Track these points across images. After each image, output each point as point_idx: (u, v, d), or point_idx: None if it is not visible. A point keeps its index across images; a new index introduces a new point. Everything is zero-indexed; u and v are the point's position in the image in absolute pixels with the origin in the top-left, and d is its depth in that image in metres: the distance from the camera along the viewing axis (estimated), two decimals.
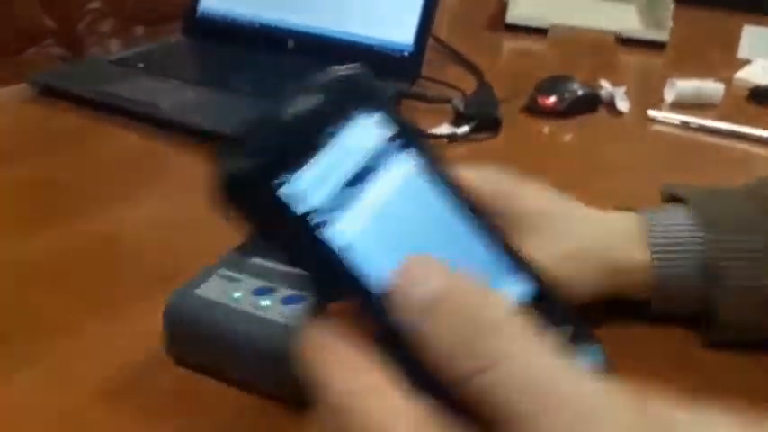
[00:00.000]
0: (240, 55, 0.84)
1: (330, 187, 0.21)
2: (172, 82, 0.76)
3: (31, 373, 0.37)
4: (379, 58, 0.81)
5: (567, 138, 0.74)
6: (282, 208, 0.20)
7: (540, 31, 1.13)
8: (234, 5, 0.90)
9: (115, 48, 1.29)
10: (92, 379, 0.37)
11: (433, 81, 0.83)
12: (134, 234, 0.51)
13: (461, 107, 0.73)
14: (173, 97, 0.71)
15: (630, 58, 1.07)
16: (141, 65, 0.80)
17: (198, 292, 0.37)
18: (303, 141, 0.21)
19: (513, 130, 0.73)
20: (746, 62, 1.03)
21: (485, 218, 0.24)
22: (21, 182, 0.58)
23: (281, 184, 0.20)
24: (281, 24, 0.87)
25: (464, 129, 0.70)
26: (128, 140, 0.66)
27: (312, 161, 0.21)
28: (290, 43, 0.86)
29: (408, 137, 0.24)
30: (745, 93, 0.89)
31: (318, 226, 0.20)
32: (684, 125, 0.78)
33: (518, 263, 0.24)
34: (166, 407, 0.35)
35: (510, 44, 1.10)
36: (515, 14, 1.13)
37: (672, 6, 1.09)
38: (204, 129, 0.65)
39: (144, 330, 0.40)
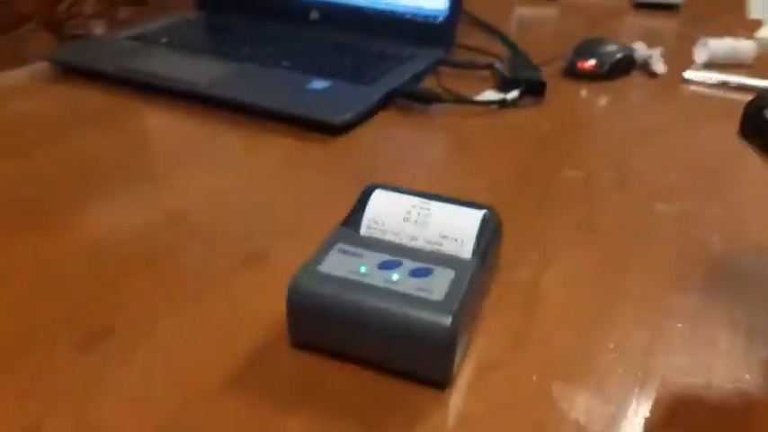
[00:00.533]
0: (263, 28, 0.80)
1: None
2: (202, 57, 0.72)
3: (143, 362, 0.34)
4: (413, 26, 0.79)
5: (612, 101, 0.73)
6: None
7: None
8: None
9: (100, 30, 1.24)
10: (207, 367, 0.34)
11: (466, 48, 0.81)
12: (203, 210, 0.48)
13: (507, 72, 0.71)
14: (208, 72, 0.67)
15: (647, 22, 1.06)
16: (164, 39, 0.76)
17: (321, 269, 0.34)
18: None
19: (556, 94, 0.71)
20: (758, 22, 1.02)
21: None
22: (76, 158, 0.54)
23: None
24: None
25: (513, 94, 0.68)
26: (174, 117, 0.63)
27: None
28: (314, 14, 0.83)
29: None
30: None
31: None
32: (722, 84, 0.77)
33: None
34: (289, 395, 0.33)
35: (525, 12, 1.08)
36: None
37: None
38: (250, 103, 0.62)
39: (249, 310, 0.38)
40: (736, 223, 0.49)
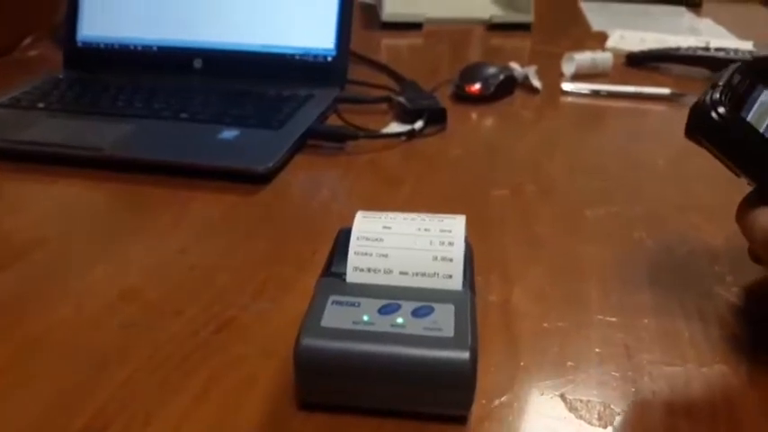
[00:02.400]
0: (144, 82, 0.77)
1: None
2: (92, 119, 0.67)
3: None
4: (304, 66, 0.79)
5: (506, 119, 0.77)
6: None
7: (412, 26, 1.17)
8: (118, 30, 0.83)
9: None
10: None
11: (356, 83, 0.83)
12: (154, 284, 0.45)
13: (406, 103, 0.73)
14: (107, 135, 0.63)
15: (506, 42, 1.13)
16: (42, 104, 0.70)
17: (325, 324, 0.33)
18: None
19: (453, 119, 0.74)
20: (603, 34, 1.14)
21: None
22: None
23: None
24: (183, 44, 0.81)
25: (419, 123, 0.70)
26: (85, 187, 0.58)
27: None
28: (198, 62, 0.81)
29: None
30: (622, 60, 0.99)
31: None
32: (595, 93, 0.85)
33: None
34: None
35: (392, 42, 1.12)
36: (390, 12, 1.15)
37: None
38: (165, 161, 0.59)
39: (241, 380, 0.36)
40: (657, 220, 0.54)
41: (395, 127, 0.71)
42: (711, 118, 0.36)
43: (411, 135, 0.69)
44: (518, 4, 1.19)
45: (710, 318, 0.42)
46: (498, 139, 0.71)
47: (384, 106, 0.77)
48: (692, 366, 0.38)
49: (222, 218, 0.54)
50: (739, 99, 0.38)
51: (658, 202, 0.57)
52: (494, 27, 1.17)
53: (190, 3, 0.81)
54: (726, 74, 0.39)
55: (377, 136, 0.68)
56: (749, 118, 0.37)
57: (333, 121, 0.73)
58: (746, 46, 1.05)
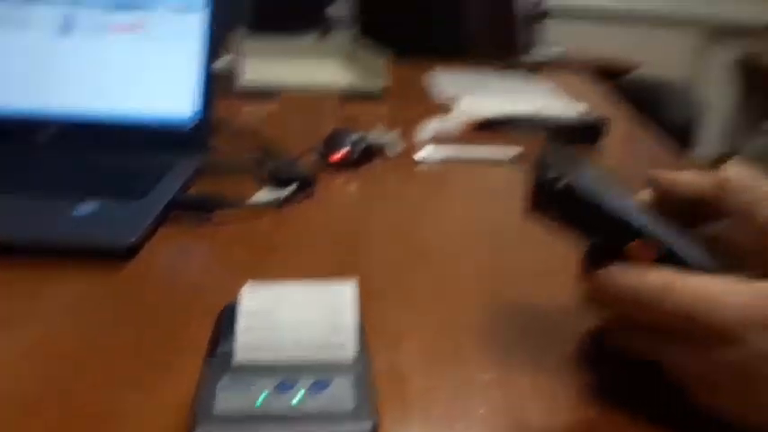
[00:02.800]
0: None
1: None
2: None
3: None
4: (164, 134, 0.76)
5: (372, 184, 0.79)
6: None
7: (268, 94, 1.18)
8: None
9: None
10: None
11: (220, 151, 0.81)
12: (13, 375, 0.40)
13: (274, 170, 0.73)
14: None
15: (362, 109, 1.17)
16: None
17: (218, 412, 0.32)
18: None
19: (320, 185, 0.75)
20: (452, 100, 1.21)
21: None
22: None
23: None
24: (31, 112, 0.76)
25: (289, 190, 0.70)
26: None
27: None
28: (49, 132, 0.76)
29: None
30: (473, 125, 1.05)
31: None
32: (449, 158, 0.89)
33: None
34: None
35: (250, 109, 1.12)
36: (248, 79, 1.16)
37: (382, 60, 1.22)
38: (13, 242, 0.54)
39: None
40: (521, 279, 0.57)
41: (262, 195, 0.70)
42: (555, 192, 0.39)
43: (279, 203, 0.69)
44: (371, 72, 1.24)
45: (579, 370, 0.45)
46: (365, 205, 0.73)
47: (250, 174, 0.76)
48: (567, 416, 0.40)
49: (83, 300, 0.50)
50: (572, 168, 0.42)
51: (520, 263, 0.61)
52: (349, 95, 1.21)
53: (38, 67, 0.76)
54: (552, 150, 0.43)
55: (246, 204, 0.67)
56: (585, 185, 0.41)
57: (198, 189, 0.70)
58: (581, 110, 1.16)
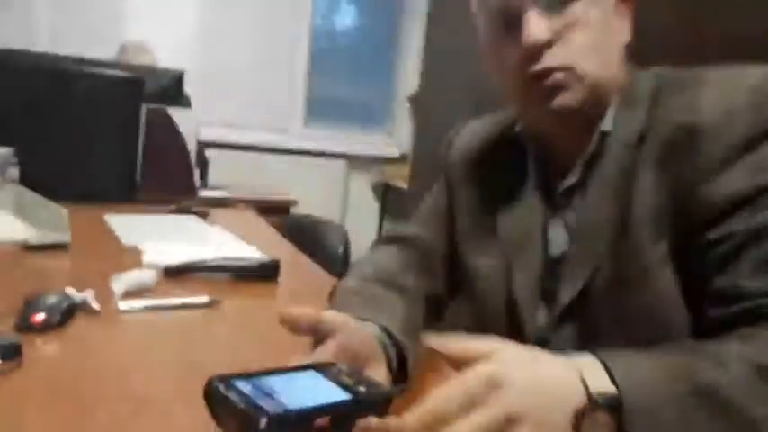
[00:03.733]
0: None
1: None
2: None
3: None
4: None
5: (81, 344, 0.84)
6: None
7: None
8: None
9: None
10: None
11: None
12: None
13: None
14: None
15: (47, 262, 1.18)
16: None
17: None
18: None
19: (25, 351, 0.78)
20: (136, 248, 1.29)
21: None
22: None
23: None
24: None
25: None
26: None
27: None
28: None
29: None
30: (161, 272, 1.15)
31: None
32: (148, 308, 0.99)
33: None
34: None
35: None
36: None
37: (66, 211, 1.26)
38: None
39: None
40: None
41: None
42: (217, 398, 0.59)
43: None
44: (53, 224, 1.27)
45: None
46: (77, 365, 0.78)
47: None
48: None
49: None
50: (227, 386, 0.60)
51: None
52: (31, 248, 1.21)
53: None
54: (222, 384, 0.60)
55: None
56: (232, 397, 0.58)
57: None
58: (253, 250, 1.35)
